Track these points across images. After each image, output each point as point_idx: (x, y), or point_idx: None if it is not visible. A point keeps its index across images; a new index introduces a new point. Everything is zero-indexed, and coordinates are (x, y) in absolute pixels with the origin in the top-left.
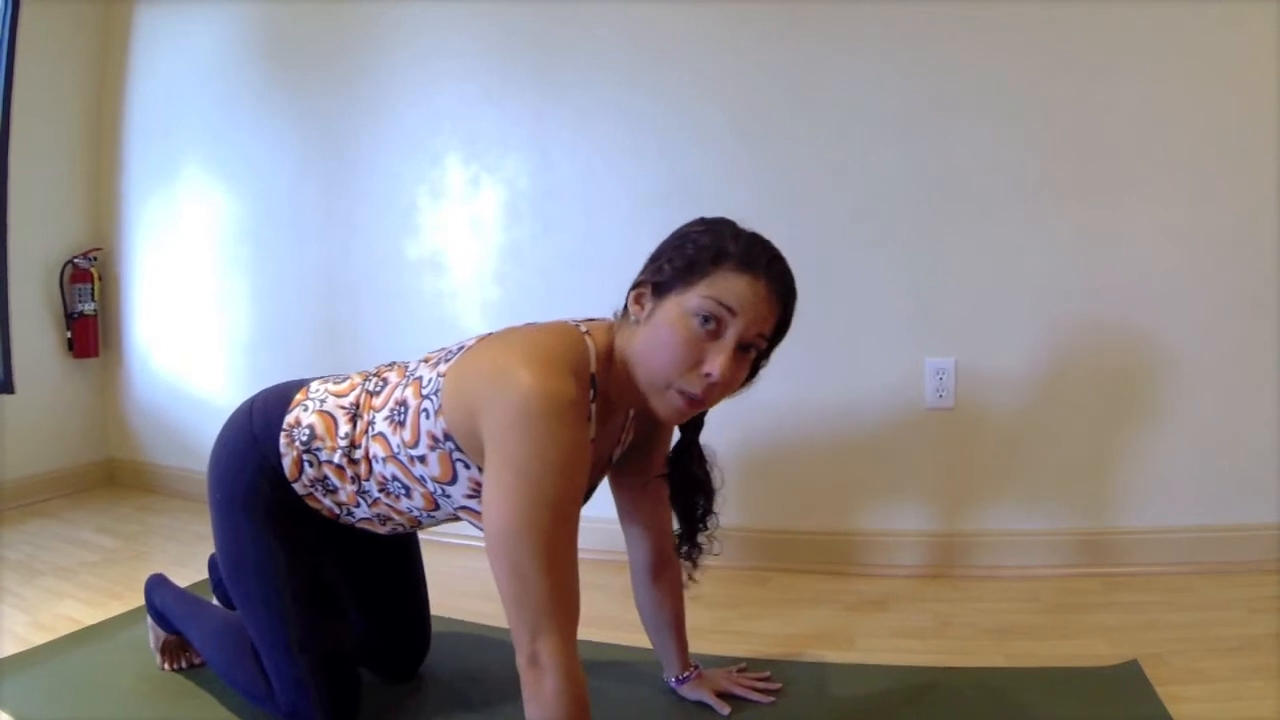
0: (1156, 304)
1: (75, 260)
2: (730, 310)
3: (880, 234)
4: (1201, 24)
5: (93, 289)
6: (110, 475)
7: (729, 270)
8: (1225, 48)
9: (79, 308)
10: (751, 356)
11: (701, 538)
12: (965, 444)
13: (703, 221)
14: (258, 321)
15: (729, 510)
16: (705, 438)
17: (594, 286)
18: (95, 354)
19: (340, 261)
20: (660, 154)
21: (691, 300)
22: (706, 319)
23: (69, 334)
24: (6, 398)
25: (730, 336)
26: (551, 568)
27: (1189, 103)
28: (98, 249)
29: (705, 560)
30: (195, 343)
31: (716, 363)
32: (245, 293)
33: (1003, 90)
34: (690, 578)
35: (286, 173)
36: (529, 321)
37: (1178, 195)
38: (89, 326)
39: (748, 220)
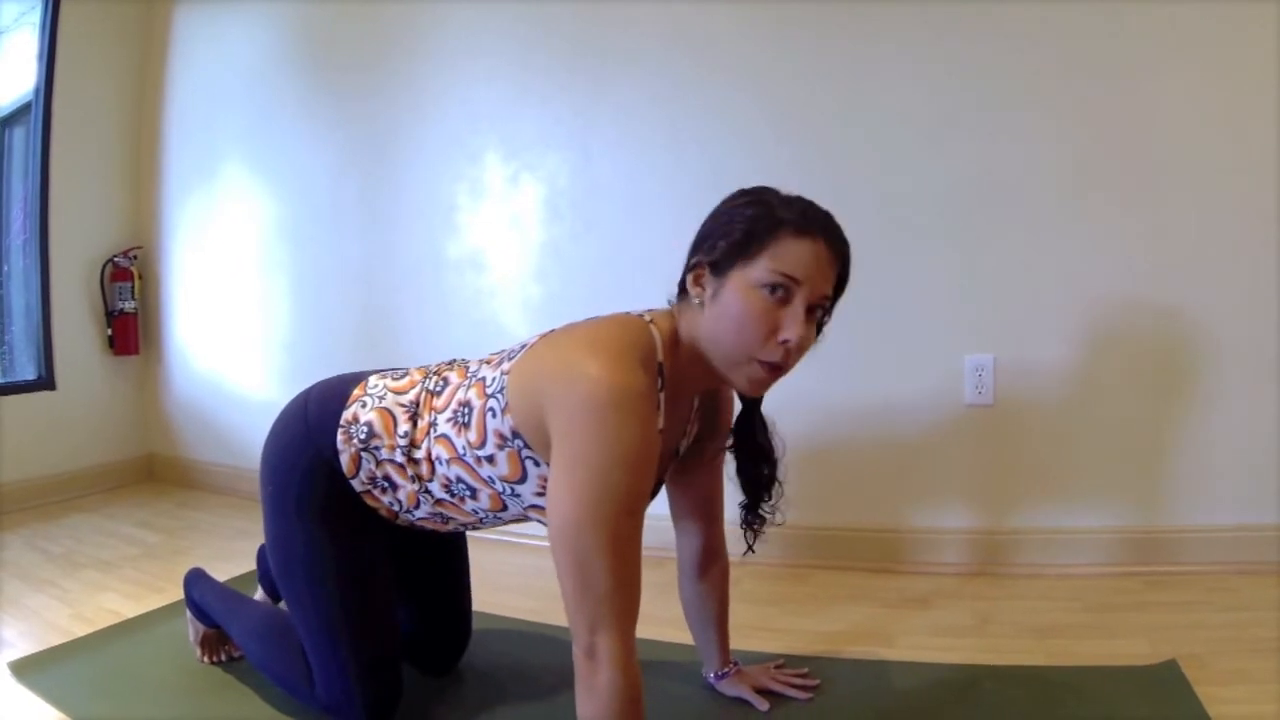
0: (1196, 300)
1: (116, 259)
2: (795, 278)
3: (919, 232)
4: (1242, 23)
5: (133, 287)
6: (150, 471)
7: (787, 237)
8: (1266, 46)
9: (119, 305)
10: (818, 316)
11: (765, 507)
12: (1004, 441)
13: (744, 193)
14: (297, 319)
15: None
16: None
17: (635, 284)
18: (135, 351)
19: (380, 260)
20: (700, 152)
21: (756, 273)
22: (774, 289)
23: (109, 331)
24: (48, 394)
25: (799, 301)
26: (616, 562)
27: (1229, 101)
28: (138, 247)
29: (767, 530)
30: (234, 340)
31: (792, 329)
32: (284, 291)
33: (1042, 89)
34: (750, 548)
35: (326, 171)
36: (585, 317)
37: (1218, 193)
38: (129, 324)
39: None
